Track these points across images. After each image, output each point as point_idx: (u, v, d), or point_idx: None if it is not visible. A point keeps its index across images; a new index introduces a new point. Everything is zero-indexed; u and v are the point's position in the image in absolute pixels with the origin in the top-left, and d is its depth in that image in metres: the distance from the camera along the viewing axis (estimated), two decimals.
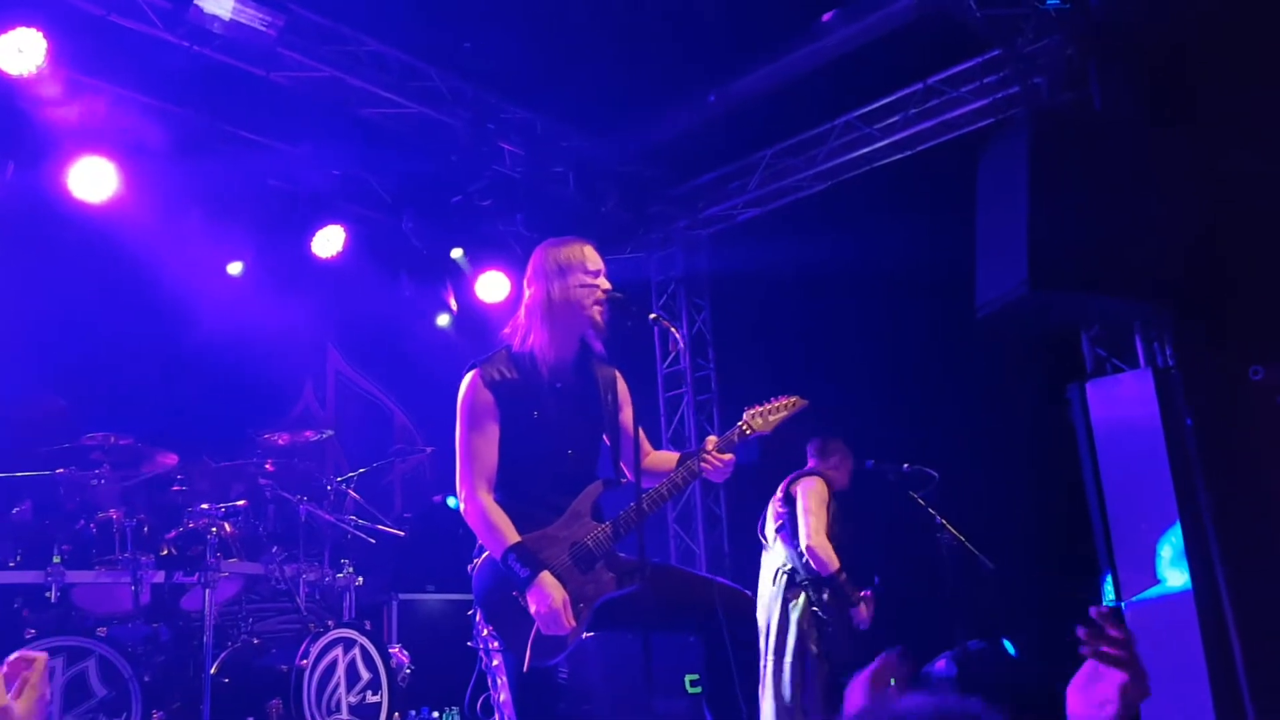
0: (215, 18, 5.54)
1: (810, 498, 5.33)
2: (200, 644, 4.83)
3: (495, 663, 3.22)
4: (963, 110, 6.84)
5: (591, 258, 3.35)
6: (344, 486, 6.03)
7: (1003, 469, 6.24)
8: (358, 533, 5.91)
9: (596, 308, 3.30)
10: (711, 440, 3.33)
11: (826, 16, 6.28)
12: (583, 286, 3.29)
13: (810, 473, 5.52)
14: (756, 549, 5.70)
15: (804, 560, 5.25)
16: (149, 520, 4.97)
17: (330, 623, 5.23)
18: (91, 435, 5.04)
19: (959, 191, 5.34)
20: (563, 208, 7.64)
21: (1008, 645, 5.88)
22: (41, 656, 1.95)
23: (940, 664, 5.71)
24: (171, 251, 6.45)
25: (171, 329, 6.55)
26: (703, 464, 3.28)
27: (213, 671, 4.80)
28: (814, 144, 7.56)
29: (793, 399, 3.43)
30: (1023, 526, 6.22)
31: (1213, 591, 4.82)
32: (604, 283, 3.33)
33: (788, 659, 5.19)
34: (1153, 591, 4.97)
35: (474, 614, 3.29)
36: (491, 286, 7.93)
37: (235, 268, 7.17)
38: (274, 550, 5.45)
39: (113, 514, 4.86)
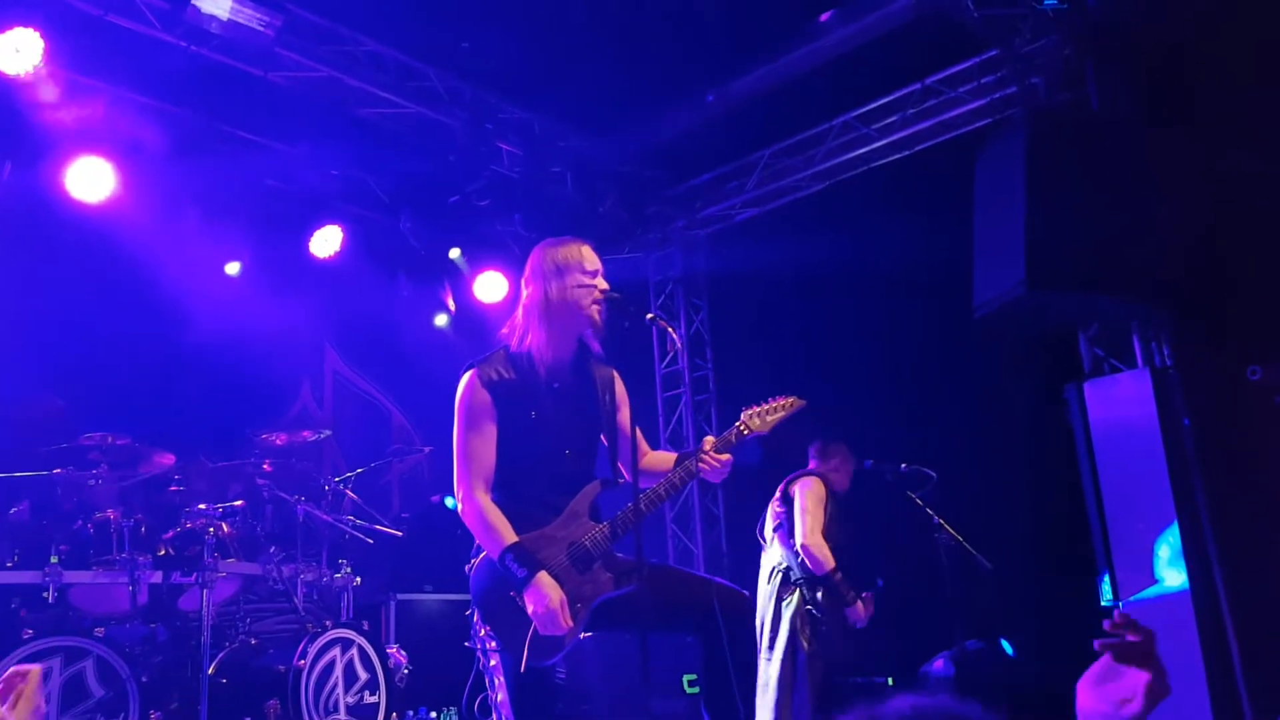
0: (213, 17, 5.54)
1: (808, 497, 5.33)
2: (198, 644, 4.82)
3: (493, 663, 3.21)
4: (960, 110, 6.84)
5: (589, 258, 3.35)
6: (342, 486, 6.02)
7: (1001, 469, 6.24)
8: (355, 533, 5.90)
9: (594, 308, 3.29)
10: (709, 440, 3.33)
11: (824, 17, 6.29)
12: (580, 286, 3.29)
13: (809, 473, 5.52)
14: (755, 549, 5.69)
15: (799, 559, 5.25)
16: (146, 520, 4.97)
17: (328, 623, 5.23)
18: (89, 435, 5.03)
19: (957, 192, 5.34)
20: (561, 208, 7.64)
21: (1005, 645, 5.88)
22: (36, 669, 1.94)
23: (938, 664, 5.71)
24: (169, 251, 6.44)
25: (169, 329, 6.54)
26: (700, 464, 3.27)
27: (210, 672, 4.79)
28: (812, 144, 7.56)
29: (791, 399, 3.43)
30: (1021, 526, 6.22)
31: (1210, 591, 4.82)
32: (602, 283, 3.33)
33: (778, 656, 5.18)
34: (1150, 591, 4.97)
35: (471, 614, 3.28)
36: (489, 286, 7.93)
37: (233, 268, 7.16)
38: (272, 550, 5.44)
39: (110, 514, 4.85)
